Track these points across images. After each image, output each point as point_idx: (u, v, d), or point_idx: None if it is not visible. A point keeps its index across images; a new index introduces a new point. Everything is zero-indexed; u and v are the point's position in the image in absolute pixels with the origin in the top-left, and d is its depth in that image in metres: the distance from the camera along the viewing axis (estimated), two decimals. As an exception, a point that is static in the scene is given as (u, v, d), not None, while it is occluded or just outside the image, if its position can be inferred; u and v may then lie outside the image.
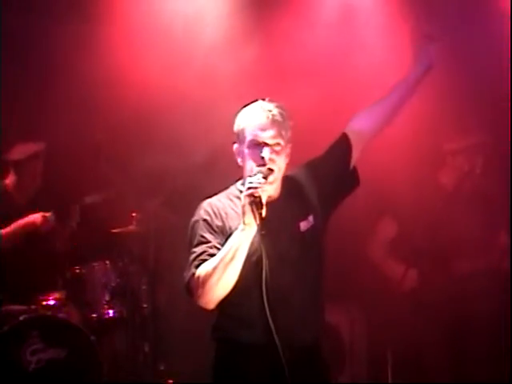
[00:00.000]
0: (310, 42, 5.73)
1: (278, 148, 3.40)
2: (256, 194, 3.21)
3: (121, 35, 5.79)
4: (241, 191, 3.37)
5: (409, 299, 5.42)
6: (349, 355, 5.95)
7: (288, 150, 3.46)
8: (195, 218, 3.45)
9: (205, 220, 3.40)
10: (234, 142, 3.49)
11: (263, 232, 3.23)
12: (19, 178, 5.78)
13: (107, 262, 5.76)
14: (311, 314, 3.44)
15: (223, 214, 3.41)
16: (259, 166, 3.35)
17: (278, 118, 3.42)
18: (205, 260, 3.32)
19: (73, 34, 5.80)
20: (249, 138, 3.40)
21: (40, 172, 5.82)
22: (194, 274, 3.32)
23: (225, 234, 3.36)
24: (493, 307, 5.22)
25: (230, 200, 3.46)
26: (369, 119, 3.65)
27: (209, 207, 3.44)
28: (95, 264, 5.73)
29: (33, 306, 5.44)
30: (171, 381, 5.83)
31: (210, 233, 3.38)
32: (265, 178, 3.27)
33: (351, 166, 3.62)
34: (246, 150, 3.41)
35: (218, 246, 3.34)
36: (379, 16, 5.83)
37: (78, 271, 5.70)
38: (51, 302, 5.52)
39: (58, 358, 5.28)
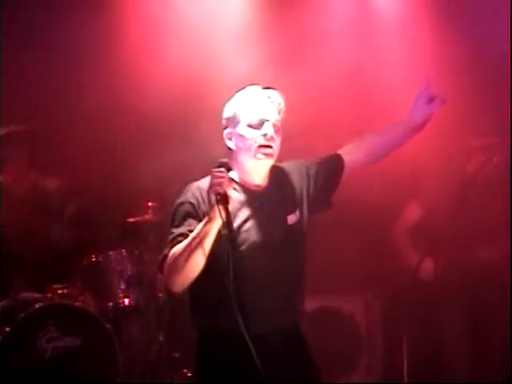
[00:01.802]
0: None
1: (276, 128, 3.39)
2: (221, 191, 3.16)
3: (134, 24, 5.80)
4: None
5: (427, 287, 5.41)
6: (365, 343, 5.95)
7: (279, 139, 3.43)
8: (181, 199, 3.41)
9: (191, 203, 3.37)
10: (225, 128, 3.46)
11: (226, 232, 3.18)
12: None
13: (123, 251, 5.77)
14: (292, 302, 3.45)
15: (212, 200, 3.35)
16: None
17: (277, 99, 3.43)
18: (180, 242, 3.30)
19: (86, 25, 5.79)
20: (248, 117, 3.38)
21: (26, 156, 5.78)
22: (166, 255, 3.32)
23: None
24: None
25: None
26: (362, 153, 3.62)
27: (197, 191, 3.39)
28: (111, 253, 5.74)
29: (49, 294, 5.45)
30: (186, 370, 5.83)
31: (193, 217, 3.34)
32: (228, 170, 3.22)
33: (336, 188, 3.59)
34: (245, 130, 3.38)
35: None
36: (400, 22, 5.85)
37: (94, 260, 5.71)
38: (67, 291, 5.54)
39: (73, 346, 5.28)
